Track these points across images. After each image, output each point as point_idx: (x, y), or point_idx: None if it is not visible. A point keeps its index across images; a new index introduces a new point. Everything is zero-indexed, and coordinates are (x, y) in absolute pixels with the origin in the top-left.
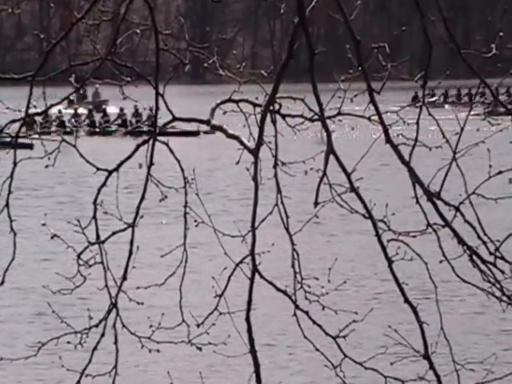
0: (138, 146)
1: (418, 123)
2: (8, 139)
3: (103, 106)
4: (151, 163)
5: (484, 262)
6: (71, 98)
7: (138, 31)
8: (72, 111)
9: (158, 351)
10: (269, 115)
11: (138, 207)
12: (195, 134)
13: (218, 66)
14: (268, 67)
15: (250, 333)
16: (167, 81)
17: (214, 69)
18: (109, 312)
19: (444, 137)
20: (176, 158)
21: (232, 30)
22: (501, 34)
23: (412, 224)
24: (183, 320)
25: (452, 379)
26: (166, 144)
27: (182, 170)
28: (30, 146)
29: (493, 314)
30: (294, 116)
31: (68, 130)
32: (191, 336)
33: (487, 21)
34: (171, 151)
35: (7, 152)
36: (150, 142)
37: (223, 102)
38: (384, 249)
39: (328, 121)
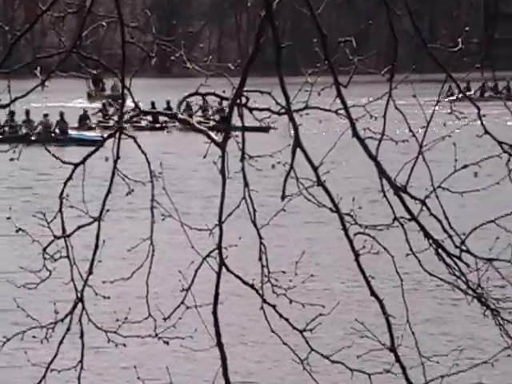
0: (105, 139)
1: (384, 117)
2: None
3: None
4: (117, 157)
5: (450, 255)
6: (89, 91)
7: (104, 24)
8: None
9: (125, 345)
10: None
11: (104, 201)
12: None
13: (184, 59)
14: (235, 60)
15: (217, 326)
16: (133, 74)
17: (180, 62)
18: (75, 306)
19: (410, 131)
20: (143, 152)
21: (198, 23)
22: (466, 28)
23: (379, 218)
24: (150, 314)
25: (418, 372)
26: (133, 137)
27: (149, 163)
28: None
29: (458, 307)
30: (261, 109)
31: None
32: (158, 330)
33: (453, 15)
34: (138, 145)
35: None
36: (117, 135)
37: (190, 95)
38: (351, 242)
39: (295, 114)
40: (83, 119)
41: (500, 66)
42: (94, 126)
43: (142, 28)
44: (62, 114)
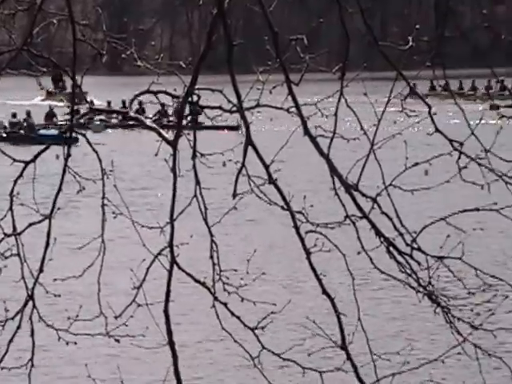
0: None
1: (336, 115)
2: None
3: (88, 98)
4: (68, 154)
5: (401, 253)
6: (50, 89)
7: (55, 21)
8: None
9: (76, 343)
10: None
11: (55, 199)
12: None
13: (135, 57)
14: (186, 58)
15: (169, 324)
16: (84, 71)
17: (131, 60)
18: (25, 304)
19: (362, 129)
20: (94, 150)
21: (150, 20)
22: (417, 26)
23: (330, 216)
24: (101, 312)
25: (369, 369)
26: (84, 135)
27: (100, 161)
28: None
29: (409, 304)
30: (212, 107)
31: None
32: (109, 328)
33: (404, 13)
34: (89, 143)
35: None
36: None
37: (141, 94)
38: (302, 240)
39: (246, 113)
40: (49, 116)
41: (451, 65)
42: (62, 123)
43: (93, 26)
44: (28, 113)
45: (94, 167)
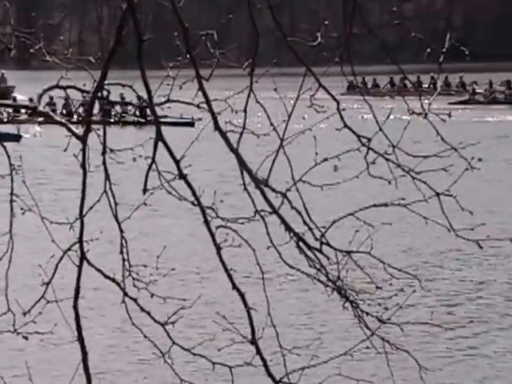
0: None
1: (245, 111)
2: None
3: (12, 94)
4: None
5: (310, 248)
6: None
7: None
8: None
9: None
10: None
11: None
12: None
13: (44, 52)
14: (96, 53)
15: (78, 321)
16: None
17: (40, 54)
18: None
19: (271, 124)
20: (2, 145)
21: (59, 15)
22: (326, 22)
23: (240, 211)
24: (9, 309)
25: (279, 364)
26: None
27: (8, 156)
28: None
29: (319, 299)
30: (122, 103)
31: None
32: (17, 325)
33: (312, 9)
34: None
35: None
36: None
37: (50, 89)
38: (212, 235)
39: (157, 108)
40: None
41: (360, 61)
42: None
43: (1, 20)
44: None
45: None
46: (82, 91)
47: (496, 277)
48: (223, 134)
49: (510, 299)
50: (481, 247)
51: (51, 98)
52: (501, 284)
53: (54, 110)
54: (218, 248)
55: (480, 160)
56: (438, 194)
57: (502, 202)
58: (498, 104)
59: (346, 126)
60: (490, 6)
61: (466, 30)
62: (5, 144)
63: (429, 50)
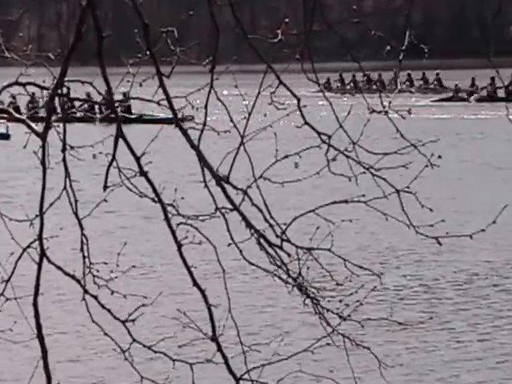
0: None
1: (206, 108)
2: None
3: None
4: None
5: (271, 244)
6: None
7: None
8: None
9: None
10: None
11: None
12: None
13: (3, 48)
14: (55, 50)
15: (38, 318)
16: None
17: None
18: None
19: (231, 121)
20: None
21: (18, 11)
22: (286, 19)
23: (201, 208)
24: None
25: (239, 361)
26: None
27: None
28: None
29: (280, 296)
30: (82, 100)
31: None
32: None
33: (272, 6)
34: None
35: None
36: None
37: (9, 85)
38: (173, 232)
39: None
40: None
41: (320, 58)
42: None
43: None
44: None
45: None
46: (42, 88)
47: (455, 273)
48: (184, 131)
49: (468, 295)
50: (440, 244)
51: (13, 97)
52: (459, 280)
53: (16, 108)
54: (179, 245)
55: (439, 157)
56: (397, 191)
57: (461, 199)
58: (485, 101)
59: (306, 123)
60: (449, 3)
61: (426, 27)
62: None
63: (388, 47)
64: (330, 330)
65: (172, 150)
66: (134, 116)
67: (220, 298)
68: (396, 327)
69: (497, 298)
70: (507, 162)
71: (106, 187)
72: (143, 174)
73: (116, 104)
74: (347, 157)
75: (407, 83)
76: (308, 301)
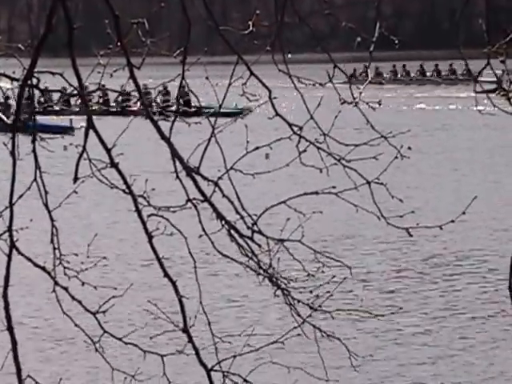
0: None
1: (177, 99)
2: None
3: None
4: None
5: (242, 236)
6: None
7: None
8: None
9: None
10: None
11: None
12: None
13: None
14: (25, 41)
15: (7, 310)
16: None
17: None
18: None
19: (204, 113)
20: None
21: None
22: (257, 11)
23: (172, 199)
24: None
25: (210, 352)
26: None
27: None
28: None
29: (251, 287)
30: (52, 91)
31: None
32: None
33: None
34: None
35: None
36: None
37: None
38: (144, 224)
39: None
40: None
41: (291, 49)
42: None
43: None
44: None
45: None
46: (12, 79)
47: (426, 264)
48: (155, 122)
49: (438, 285)
50: (410, 235)
51: None
52: (430, 270)
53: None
54: (150, 236)
55: (409, 148)
56: (368, 182)
57: (432, 190)
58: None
59: (277, 114)
60: None
61: (396, 19)
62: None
63: (359, 38)
64: (301, 320)
65: (144, 140)
66: (193, 109)
67: (191, 290)
68: (366, 318)
69: (466, 286)
70: (473, 153)
71: (76, 179)
72: (114, 165)
73: (89, 96)
74: (318, 148)
75: (435, 74)
76: (279, 292)
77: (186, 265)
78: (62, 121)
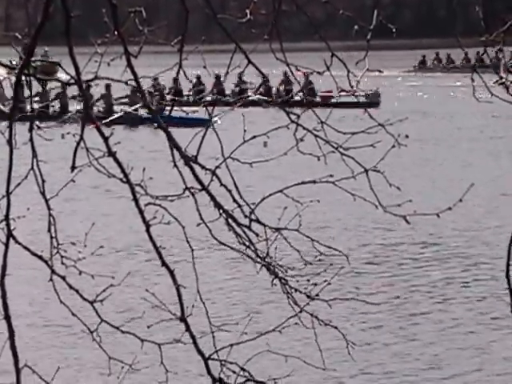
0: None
1: (175, 88)
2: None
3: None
4: None
5: (239, 224)
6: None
7: None
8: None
9: None
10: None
11: None
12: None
13: None
14: (22, 29)
15: (5, 299)
16: None
17: None
18: None
19: (200, 101)
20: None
21: None
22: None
23: (170, 188)
24: None
25: (208, 341)
26: None
27: None
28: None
29: (249, 275)
30: (49, 79)
31: None
32: None
33: None
34: None
35: None
36: None
37: None
38: (141, 213)
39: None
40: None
41: (289, 38)
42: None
43: None
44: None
45: None
46: (10, 67)
47: (423, 252)
48: (152, 111)
49: (436, 273)
50: (408, 222)
51: None
52: (427, 258)
53: None
54: (147, 225)
55: (407, 137)
56: (366, 171)
57: (429, 179)
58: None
59: (273, 102)
60: None
61: (395, 8)
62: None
63: (356, 27)
64: (298, 309)
65: (142, 129)
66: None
67: (189, 278)
68: (364, 306)
69: (465, 274)
70: (474, 140)
71: (73, 167)
72: (111, 154)
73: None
74: (316, 136)
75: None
76: (276, 280)
77: (183, 253)
78: (193, 113)
